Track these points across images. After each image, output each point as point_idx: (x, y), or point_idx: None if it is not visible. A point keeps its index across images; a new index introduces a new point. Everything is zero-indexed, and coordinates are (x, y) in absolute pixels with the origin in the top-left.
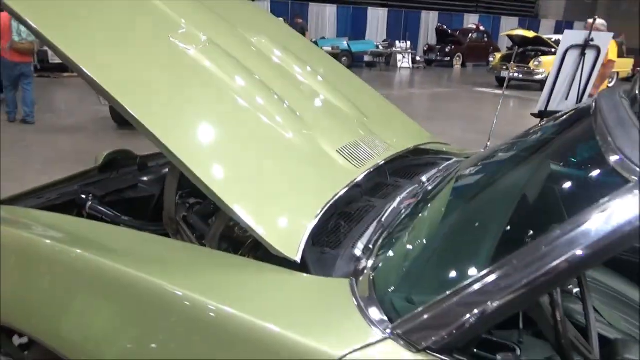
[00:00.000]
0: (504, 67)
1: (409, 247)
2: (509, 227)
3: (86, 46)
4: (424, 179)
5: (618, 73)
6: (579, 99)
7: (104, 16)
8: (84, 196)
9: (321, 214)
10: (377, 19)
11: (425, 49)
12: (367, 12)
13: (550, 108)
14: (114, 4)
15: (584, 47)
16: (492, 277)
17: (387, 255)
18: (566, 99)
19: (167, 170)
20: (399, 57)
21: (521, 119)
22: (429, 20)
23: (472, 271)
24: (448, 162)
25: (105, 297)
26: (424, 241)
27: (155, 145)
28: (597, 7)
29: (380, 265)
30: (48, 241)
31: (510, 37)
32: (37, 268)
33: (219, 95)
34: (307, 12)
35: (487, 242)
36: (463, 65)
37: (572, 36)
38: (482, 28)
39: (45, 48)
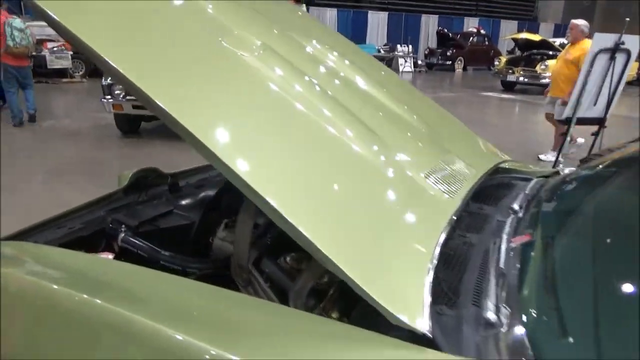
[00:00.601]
0: (510, 71)
1: (571, 312)
2: None
3: (131, 54)
4: (515, 206)
5: None
6: (608, 105)
7: (151, 23)
8: (113, 226)
9: (434, 265)
10: (377, 22)
11: (427, 52)
12: (367, 15)
13: (578, 114)
14: (161, 10)
15: (614, 50)
16: None
17: (541, 324)
18: (594, 104)
19: (204, 194)
20: (401, 61)
21: (534, 125)
22: (429, 24)
23: None
24: (530, 184)
25: None
26: (592, 305)
27: (240, 188)
28: (595, 10)
29: (538, 340)
30: (62, 288)
31: (515, 40)
32: (47, 321)
33: (294, 116)
34: None
35: None
36: (464, 69)
37: (602, 39)
38: (482, 31)
39: (43, 53)
